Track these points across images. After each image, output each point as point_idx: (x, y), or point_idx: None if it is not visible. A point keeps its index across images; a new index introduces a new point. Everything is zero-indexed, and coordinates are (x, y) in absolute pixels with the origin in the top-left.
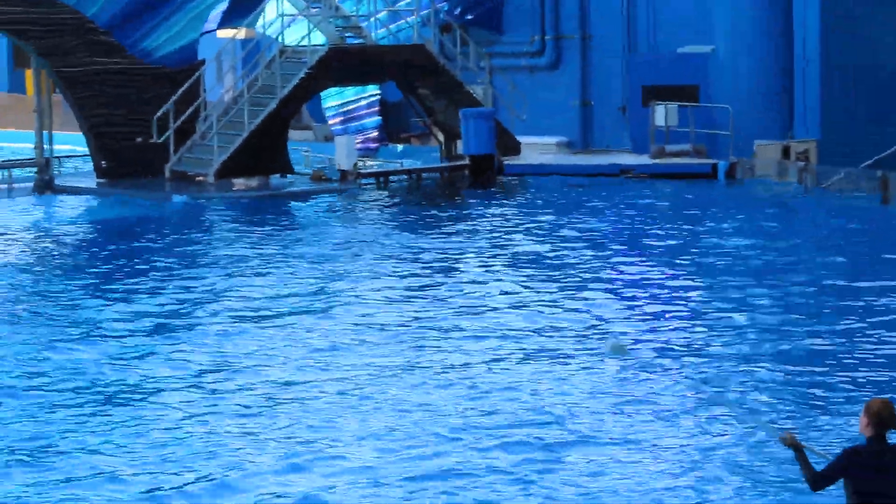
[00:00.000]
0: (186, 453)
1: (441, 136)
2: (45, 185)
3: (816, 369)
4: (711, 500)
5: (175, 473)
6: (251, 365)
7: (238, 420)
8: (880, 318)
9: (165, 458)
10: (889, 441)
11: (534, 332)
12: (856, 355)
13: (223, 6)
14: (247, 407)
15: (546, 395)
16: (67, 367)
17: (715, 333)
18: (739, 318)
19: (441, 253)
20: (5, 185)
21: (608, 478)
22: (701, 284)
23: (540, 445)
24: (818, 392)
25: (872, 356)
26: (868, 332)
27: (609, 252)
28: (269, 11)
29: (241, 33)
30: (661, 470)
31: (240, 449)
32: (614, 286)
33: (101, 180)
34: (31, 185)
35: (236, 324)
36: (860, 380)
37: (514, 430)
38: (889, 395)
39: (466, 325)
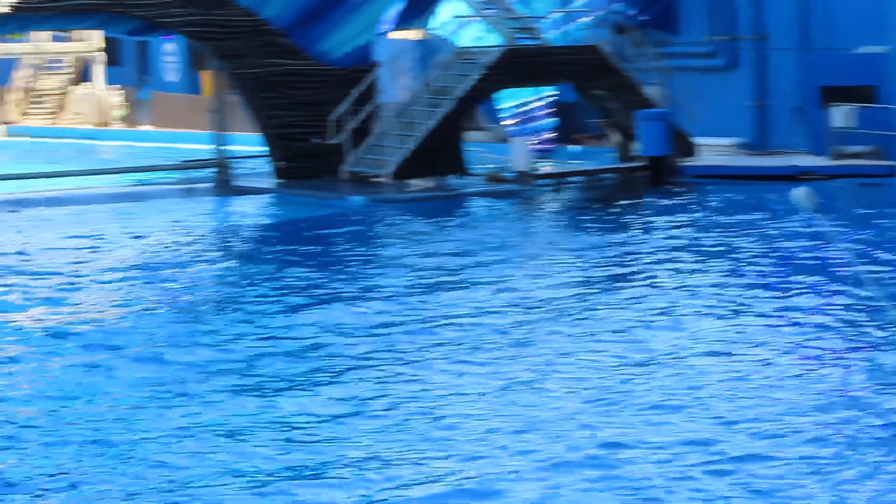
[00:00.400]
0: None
1: (617, 138)
2: (224, 186)
3: None
4: None
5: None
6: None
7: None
8: None
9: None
10: None
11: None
12: None
13: (398, 8)
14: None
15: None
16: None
17: None
18: None
19: (624, 253)
20: (185, 186)
21: None
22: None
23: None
24: None
25: None
26: None
27: (799, 253)
28: (444, 13)
29: (416, 35)
30: None
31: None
32: (814, 288)
33: (279, 181)
34: (209, 185)
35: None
36: None
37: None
38: None
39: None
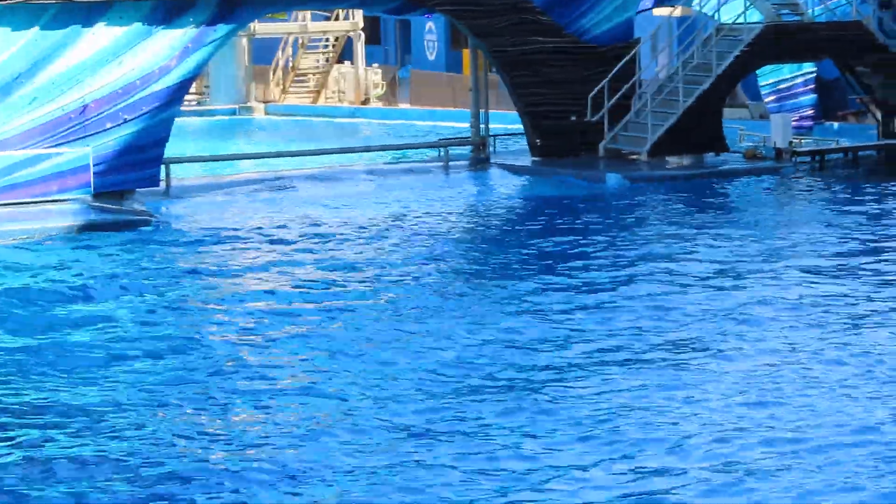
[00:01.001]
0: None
1: (878, 114)
2: (481, 163)
3: None
4: None
5: None
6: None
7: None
8: None
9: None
10: None
11: None
12: None
13: None
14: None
15: None
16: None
17: None
18: None
19: (875, 236)
20: (442, 163)
21: None
22: None
23: None
24: None
25: None
26: None
27: None
28: None
29: (678, 11)
30: None
31: None
32: None
33: (536, 158)
34: (467, 162)
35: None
36: None
37: None
38: None
39: None
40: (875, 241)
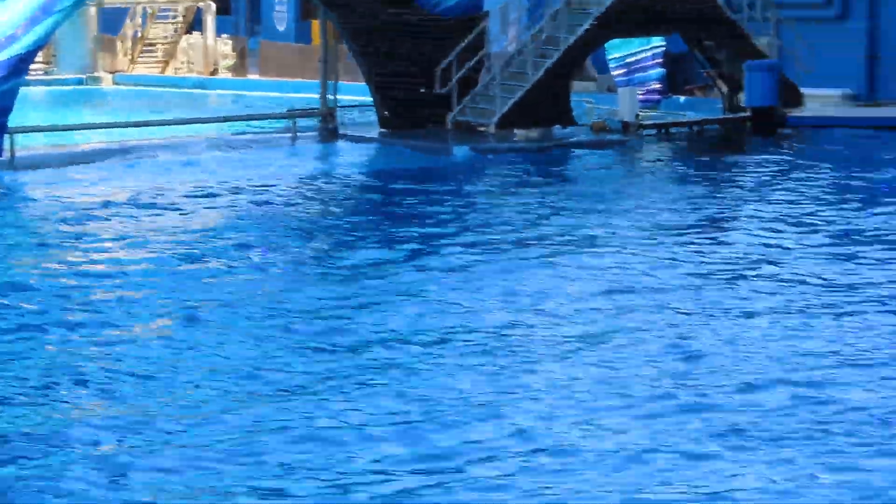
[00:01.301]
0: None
1: (724, 88)
2: (330, 134)
3: None
4: None
5: None
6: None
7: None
8: None
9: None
10: None
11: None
12: None
13: None
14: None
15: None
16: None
17: None
18: None
19: (720, 205)
20: (290, 134)
21: None
22: None
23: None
24: None
25: None
26: None
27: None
28: None
29: None
30: None
31: None
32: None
33: (384, 130)
34: (315, 133)
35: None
36: None
37: None
38: None
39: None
40: (703, 212)
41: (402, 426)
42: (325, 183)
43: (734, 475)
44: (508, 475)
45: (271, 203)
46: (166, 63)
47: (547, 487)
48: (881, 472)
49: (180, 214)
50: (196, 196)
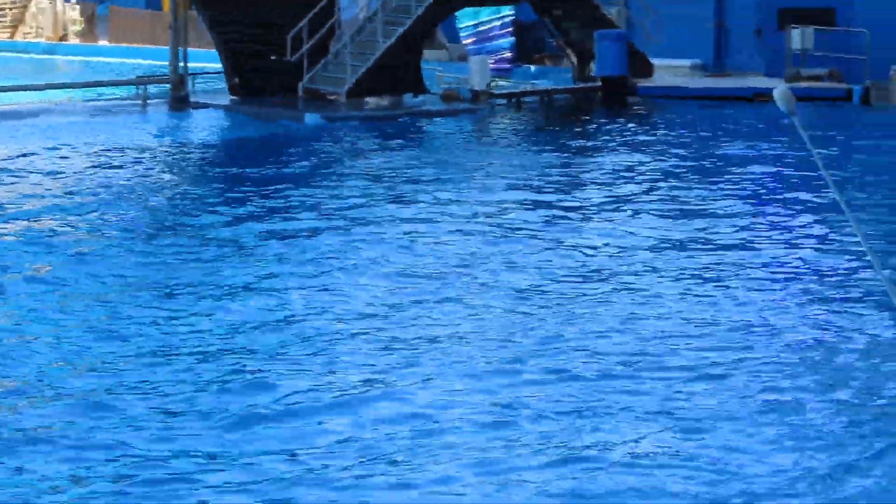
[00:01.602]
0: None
1: (574, 58)
2: (180, 102)
3: None
4: None
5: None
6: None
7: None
8: None
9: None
10: None
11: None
12: None
13: None
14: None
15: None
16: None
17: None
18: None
19: (565, 173)
20: (140, 101)
21: None
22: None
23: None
24: None
25: None
26: None
27: (732, 176)
28: None
29: None
30: None
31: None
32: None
33: (235, 98)
34: (165, 101)
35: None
36: None
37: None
38: None
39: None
40: (548, 179)
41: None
42: (171, 150)
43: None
44: None
45: (115, 168)
46: (15, 28)
47: None
48: None
49: (20, 179)
50: (36, 161)
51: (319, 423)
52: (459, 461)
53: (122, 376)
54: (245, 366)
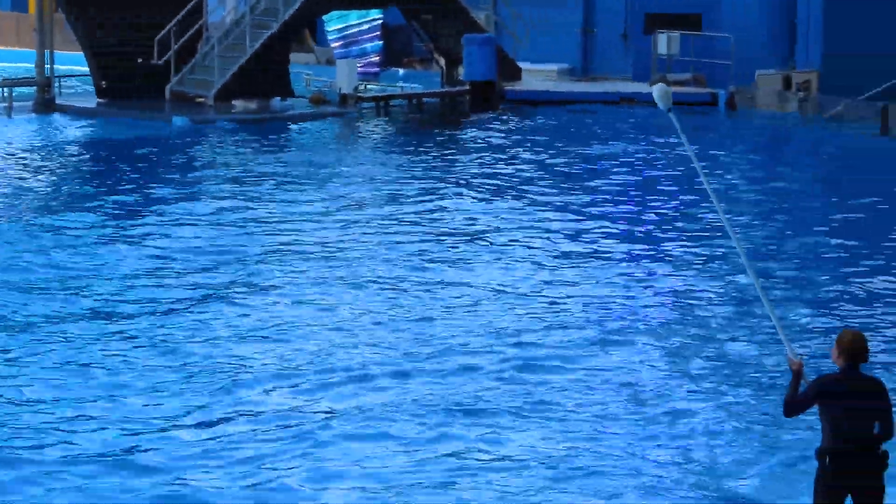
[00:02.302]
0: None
1: (442, 62)
2: (46, 105)
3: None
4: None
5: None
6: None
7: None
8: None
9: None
10: (861, 372)
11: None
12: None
13: None
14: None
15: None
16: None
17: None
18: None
19: (426, 178)
20: (5, 104)
21: None
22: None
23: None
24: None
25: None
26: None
27: (594, 177)
28: None
29: None
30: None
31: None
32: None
33: (102, 100)
34: (31, 104)
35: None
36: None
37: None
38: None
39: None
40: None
41: None
42: (33, 153)
43: None
44: None
45: None
46: None
47: None
48: None
49: None
50: None
51: None
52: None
53: None
54: None
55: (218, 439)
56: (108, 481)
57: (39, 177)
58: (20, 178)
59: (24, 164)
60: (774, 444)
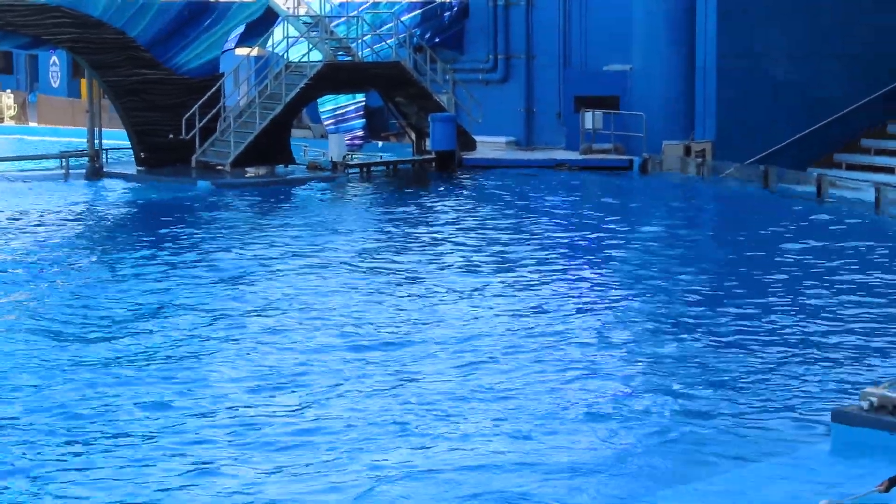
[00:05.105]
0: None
1: (413, 135)
2: (95, 172)
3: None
4: None
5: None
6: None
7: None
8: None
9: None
10: None
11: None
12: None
13: (240, 29)
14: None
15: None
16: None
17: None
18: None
19: (407, 226)
20: (63, 171)
21: None
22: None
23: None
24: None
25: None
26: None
27: (537, 228)
28: (277, 34)
29: (254, 51)
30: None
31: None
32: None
33: (140, 168)
34: (83, 171)
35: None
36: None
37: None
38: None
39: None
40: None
41: None
42: (87, 211)
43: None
44: None
45: (45, 225)
46: None
47: None
48: None
49: None
50: None
51: None
52: None
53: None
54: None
55: None
56: None
57: (92, 229)
58: (74, 230)
59: (78, 219)
60: None
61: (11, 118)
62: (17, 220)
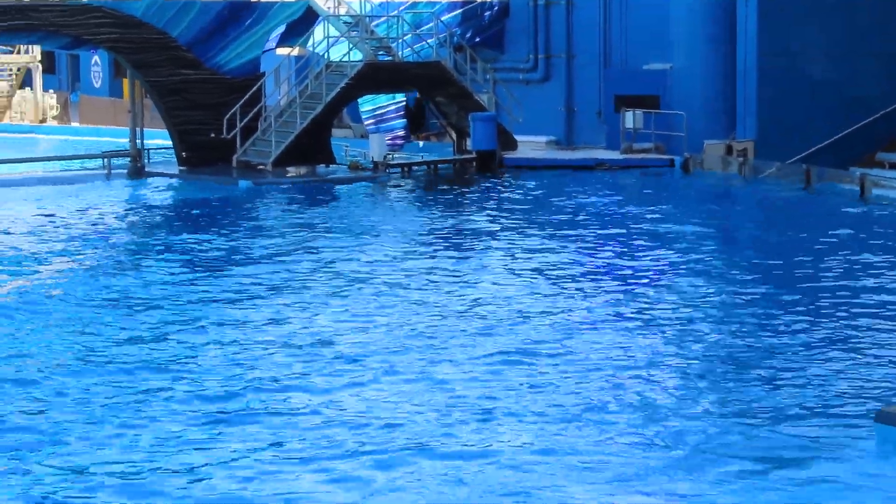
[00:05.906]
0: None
1: (453, 135)
2: (138, 172)
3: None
4: None
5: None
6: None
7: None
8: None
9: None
10: None
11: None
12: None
13: (281, 29)
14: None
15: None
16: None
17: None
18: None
19: (448, 226)
20: (105, 171)
21: None
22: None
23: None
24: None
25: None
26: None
27: (580, 228)
28: (318, 33)
29: (295, 51)
30: None
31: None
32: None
33: (182, 168)
34: (126, 171)
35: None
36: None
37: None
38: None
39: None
40: (433, 230)
41: None
42: (128, 209)
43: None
44: None
45: (88, 223)
46: (3, 114)
47: None
48: None
49: (16, 235)
50: (27, 219)
51: None
52: None
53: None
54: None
55: None
56: None
57: (134, 226)
58: (118, 227)
59: (119, 217)
60: None
61: (54, 118)
62: (59, 217)
